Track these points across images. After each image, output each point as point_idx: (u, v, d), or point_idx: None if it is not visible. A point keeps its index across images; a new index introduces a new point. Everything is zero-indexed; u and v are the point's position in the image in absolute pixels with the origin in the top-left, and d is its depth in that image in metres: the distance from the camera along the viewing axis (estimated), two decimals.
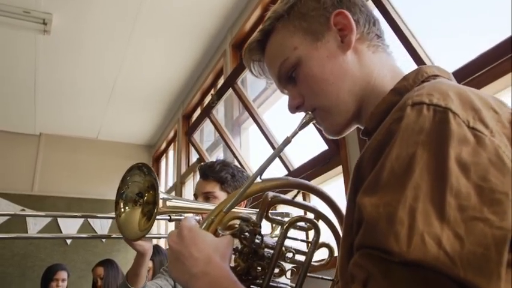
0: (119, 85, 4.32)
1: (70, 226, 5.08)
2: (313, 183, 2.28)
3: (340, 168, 2.04)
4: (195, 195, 1.66)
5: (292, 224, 0.81)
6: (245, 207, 1.64)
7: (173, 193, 4.80)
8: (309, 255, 0.84)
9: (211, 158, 4.03)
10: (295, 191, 0.88)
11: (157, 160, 5.87)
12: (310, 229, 0.85)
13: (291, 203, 0.84)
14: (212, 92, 3.82)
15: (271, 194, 0.82)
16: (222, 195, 1.62)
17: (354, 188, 0.57)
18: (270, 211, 0.83)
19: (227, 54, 3.45)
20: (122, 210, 1.25)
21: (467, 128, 0.49)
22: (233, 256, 0.78)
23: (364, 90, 0.73)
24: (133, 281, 1.53)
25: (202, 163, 1.82)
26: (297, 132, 0.78)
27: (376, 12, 1.76)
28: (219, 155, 3.97)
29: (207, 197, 1.61)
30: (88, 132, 5.48)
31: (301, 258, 0.85)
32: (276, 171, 2.56)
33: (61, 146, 5.46)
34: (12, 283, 4.59)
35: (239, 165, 3.08)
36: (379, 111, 0.68)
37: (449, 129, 0.48)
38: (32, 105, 4.66)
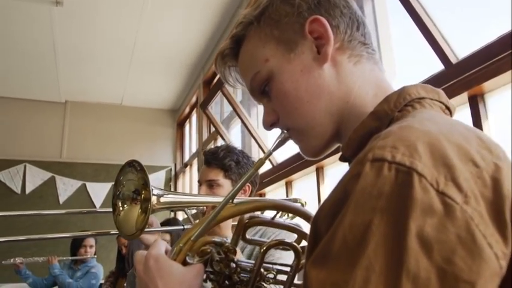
0: (138, 50, 4.28)
1: (99, 191, 5.24)
2: (325, 161, 2.22)
3: None
4: (199, 182, 1.62)
5: (271, 247, 0.76)
6: (249, 195, 1.59)
7: (195, 160, 4.82)
8: (290, 279, 0.79)
9: (229, 129, 3.98)
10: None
11: (181, 125, 5.89)
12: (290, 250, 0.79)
13: (271, 223, 0.78)
14: None
15: (247, 214, 0.76)
16: (225, 183, 1.56)
17: (311, 247, 0.50)
18: None
19: None
20: (121, 209, 1.23)
21: (436, 193, 0.41)
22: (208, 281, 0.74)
23: (343, 109, 0.64)
24: None
25: (206, 149, 1.76)
26: (271, 153, 0.71)
27: None
28: (236, 126, 3.92)
29: (211, 184, 1.56)
30: (112, 98, 5.52)
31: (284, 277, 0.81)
32: (288, 151, 2.49)
33: (87, 112, 5.54)
34: (47, 246, 4.80)
35: (253, 139, 3.03)
36: (357, 137, 0.60)
37: (412, 196, 0.40)
38: (55, 74, 4.70)
